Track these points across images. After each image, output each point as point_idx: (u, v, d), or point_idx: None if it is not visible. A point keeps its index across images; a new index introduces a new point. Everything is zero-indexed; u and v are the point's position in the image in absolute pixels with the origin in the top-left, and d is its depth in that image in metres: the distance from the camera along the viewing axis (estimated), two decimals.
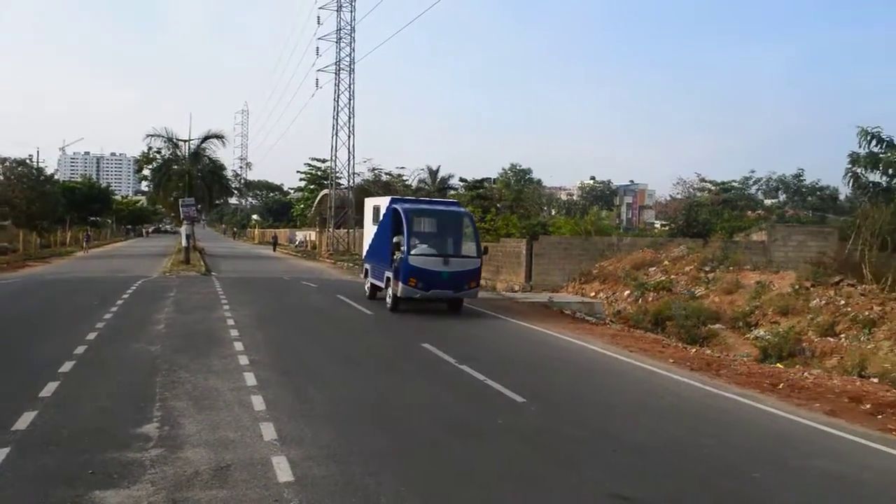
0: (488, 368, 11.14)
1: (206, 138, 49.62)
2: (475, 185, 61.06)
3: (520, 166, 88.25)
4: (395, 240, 17.78)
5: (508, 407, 9.07)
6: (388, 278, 17.93)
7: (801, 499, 6.33)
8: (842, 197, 70.57)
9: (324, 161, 67.79)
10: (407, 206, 18.38)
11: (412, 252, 17.02)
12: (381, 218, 19.42)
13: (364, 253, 22.01)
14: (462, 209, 20.62)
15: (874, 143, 17.04)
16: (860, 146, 17.30)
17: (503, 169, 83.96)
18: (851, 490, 6.59)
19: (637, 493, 6.14)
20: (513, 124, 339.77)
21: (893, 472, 7.28)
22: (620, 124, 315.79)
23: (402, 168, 74.91)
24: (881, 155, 16.97)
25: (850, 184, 18.38)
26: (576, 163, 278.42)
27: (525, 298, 22.48)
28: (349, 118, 51.18)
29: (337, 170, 53.01)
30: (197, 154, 49.58)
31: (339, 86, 51.41)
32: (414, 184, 61.42)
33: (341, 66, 51.43)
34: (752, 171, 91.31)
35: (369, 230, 21.17)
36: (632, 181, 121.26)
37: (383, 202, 19.75)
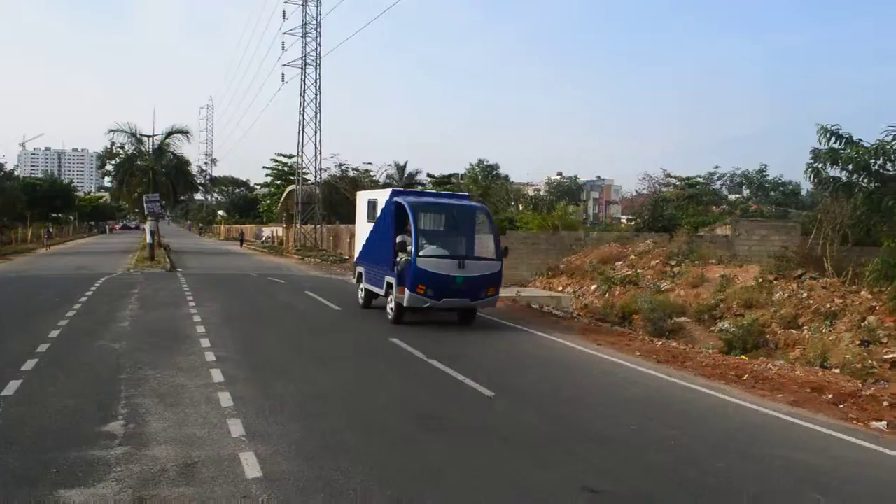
0: (457, 363, 11.18)
1: (170, 133, 49.04)
2: (443, 181, 61.14)
3: (487, 161, 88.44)
4: (398, 239, 15.29)
5: (478, 401, 9.10)
6: (390, 284, 15.60)
7: (765, 487, 6.44)
8: (804, 192, 71.90)
9: (290, 156, 67.27)
10: (412, 199, 15.95)
11: (421, 254, 14.67)
12: (378, 213, 17.04)
13: (356, 254, 19.13)
14: (476, 203, 18.35)
15: (834, 139, 17.33)
16: (820, 143, 17.59)
17: (471, 164, 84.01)
18: (814, 478, 6.72)
19: (605, 486, 6.21)
20: (481, 120, 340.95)
21: (854, 460, 7.44)
22: (588, 120, 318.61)
23: (369, 164, 74.59)
24: (841, 151, 17.26)
25: (812, 179, 18.64)
26: (543, 158, 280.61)
27: None
28: (316, 113, 50.79)
29: (303, 165, 52.65)
30: (161, 149, 48.95)
31: (304, 81, 50.95)
32: (381, 179, 61.27)
33: (307, 60, 50.96)
34: (717, 167, 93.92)
35: (363, 227, 18.46)
36: (598, 176, 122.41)
37: (381, 195, 17.25)
